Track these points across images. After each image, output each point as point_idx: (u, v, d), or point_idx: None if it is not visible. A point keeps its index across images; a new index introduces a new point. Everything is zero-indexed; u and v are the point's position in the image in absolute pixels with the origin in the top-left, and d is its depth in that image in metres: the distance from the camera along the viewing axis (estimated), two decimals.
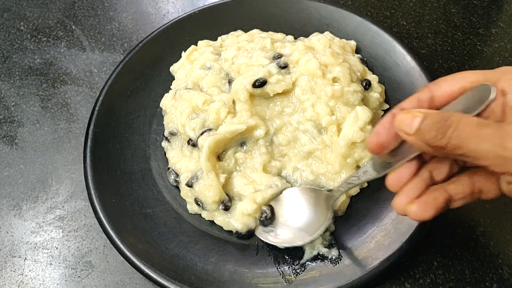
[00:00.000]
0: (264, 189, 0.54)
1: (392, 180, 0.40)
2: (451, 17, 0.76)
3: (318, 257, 0.50)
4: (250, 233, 0.53)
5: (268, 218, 0.52)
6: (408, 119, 0.36)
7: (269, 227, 0.52)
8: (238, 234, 0.53)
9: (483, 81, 0.38)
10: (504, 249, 0.52)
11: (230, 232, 0.54)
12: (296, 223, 0.51)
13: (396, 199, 0.40)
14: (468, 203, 0.39)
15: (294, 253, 0.51)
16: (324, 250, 0.50)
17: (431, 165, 0.40)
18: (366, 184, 0.55)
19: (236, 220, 0.53)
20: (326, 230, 0.51)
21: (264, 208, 0.52)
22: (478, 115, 0.36)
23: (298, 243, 0.50)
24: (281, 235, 0.51)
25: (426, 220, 0.39)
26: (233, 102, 0.58)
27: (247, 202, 0.52)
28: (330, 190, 0.53)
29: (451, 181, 0.40)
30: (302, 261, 0.50)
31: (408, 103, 0.40)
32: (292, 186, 0.55)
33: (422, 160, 0.40)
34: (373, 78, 0.62)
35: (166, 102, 0.62)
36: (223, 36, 0.68)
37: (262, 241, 0.52)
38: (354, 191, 0.55)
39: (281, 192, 0.54)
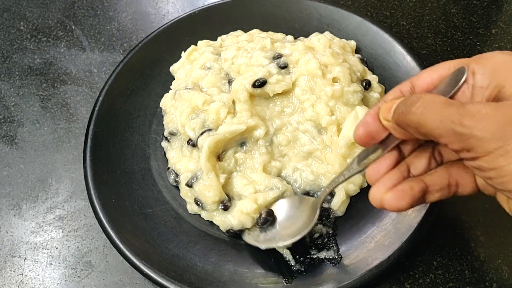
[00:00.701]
0: (264, 190, 0.54)
1: (370, 172, 0.41)
2: (451, 17, 0.76)
3: (318, 257, 0.50)
4: (241, 232, 0.53)
5: (264, 221, 0.52)
6: (389, 105, 0.38)
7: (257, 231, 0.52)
8: (229, 232, 0.53)
9: (459, 66, 0.38)
10: (504, 249, 0.52)
11: None
12: (281, 227, 0.51)
13: (372, 189, 0.39)
14: (446, 198, 0.39)
15: (294, 253, 0.51)
16: (324, 251, 0.50)
17: (409, 159, 0.41)
18: (366, 184, 0.55)
19: (233, 216, 0.52)
20: (325, 233, 0.51)
21: (262, 211, 0.52)
22: (452, 97, 0.37)
23: (280, 244, 0.49)
24: (264, 237, 0.51)
25: (402, 211, 0.38)
26: (233, 102, 0.58)
27: (247, 202, 0.52)
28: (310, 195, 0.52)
29: (428, 173, 0.40)
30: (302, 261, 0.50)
31: (391, 95, 0.41)
32: (292, 187, 0.55)
33: (401, 154, 0.41)
34: (373, 78, 0.62)
35: (166, 102, 0.62)
36: (223, 36, 0.68)
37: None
38: (354, 191, 0.55)
39: (282, 194, 0.54)
